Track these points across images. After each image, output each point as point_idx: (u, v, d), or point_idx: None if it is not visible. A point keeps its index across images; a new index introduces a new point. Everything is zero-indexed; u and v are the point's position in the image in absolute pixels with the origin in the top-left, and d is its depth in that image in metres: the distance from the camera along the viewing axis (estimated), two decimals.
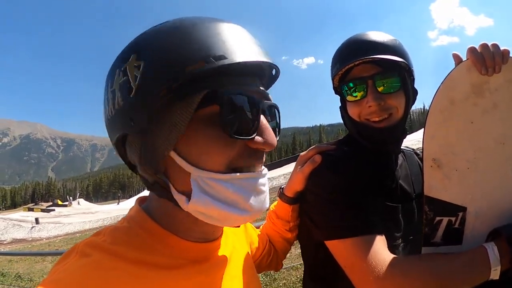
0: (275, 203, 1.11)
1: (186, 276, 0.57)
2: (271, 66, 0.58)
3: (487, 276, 0.73)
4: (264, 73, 0.60)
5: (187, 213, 0.55)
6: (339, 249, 0.84)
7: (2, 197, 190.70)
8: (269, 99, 0.58)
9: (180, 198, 0.53)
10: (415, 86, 1.01)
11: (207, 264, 0.62)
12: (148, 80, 0.50)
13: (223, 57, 0.48)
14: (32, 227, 26.09)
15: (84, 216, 34.89)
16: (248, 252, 0.84)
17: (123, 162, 0.63)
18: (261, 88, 0.58)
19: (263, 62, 0.53)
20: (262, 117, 0.54)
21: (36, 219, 30.25)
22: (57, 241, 18.41)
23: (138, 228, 0.58)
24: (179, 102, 0.50)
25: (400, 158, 1.04)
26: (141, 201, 0.66)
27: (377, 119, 0.93)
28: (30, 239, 20.83)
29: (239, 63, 0.49)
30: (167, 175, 0.55)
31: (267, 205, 0.58)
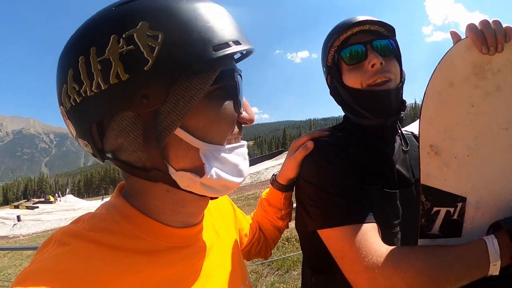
0: (267, 190, 1.10)
1: (167, 263, 0.56)
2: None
3: (485, 271, 0.67)
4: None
5: (172, 196, 0.57)
6: (330, 238, 0.81)
7: None
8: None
9: (181, 177, 0.53)
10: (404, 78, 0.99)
11: (189, 250, 0.61)
12: (172, 54, 0.47)
13: (238, 43, 0.52)
14: (14, 224, 26.47)
15: (65, 213, 35.47)
16: (235, 239, 0.83)
17: None
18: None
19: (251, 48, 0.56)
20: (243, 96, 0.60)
21: (18, 217, 30.63)
22: (35, 236, 18.63)
23: (117, 214, 0.56)
24: (197, 77, 0.50)
25: (398, 141, 0.99)
26: (121, 187, 0.63)
27: (380, 80, 0.89)
28: (12, 236, 21.03)
29: (247, 49, 0.54)
30: (166, 153, 0.53)
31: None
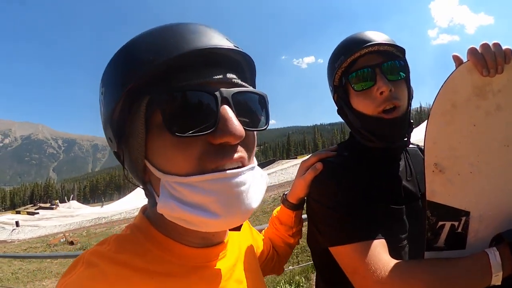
0: (278, 208, 1.12)
1: (192, 283, 0.56)
2: (234, 51, 0.54)
3: (488, 282, 0.71)
4: (234, 62, 0.57)
5: None
6: (341, 255, 0.85)
7: (1, 198, 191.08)
8: (240, 86, 0.55)
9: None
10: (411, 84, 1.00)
11: (213, 269, 0.61)
12: (105, 101, 0.54)
13: (155, 59, 0.48)
14: (13, 229, 26.97)
15: (63, 219, 36.14)
16: (255, 256, 0.85)
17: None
18: (230, 76, 0.55)
19: (212, 48, 0.50)
20: (224, 107, 0.50)
21: (16, 222, 31.31)
22: (30, 241, 18.87)
23: (141, 235, 0.58)
24: (130, 114, 0.53)
25: (404, 157, 1.02)
26: (144, 209, 0.66)
27: (388, 107, 0.91)
28: (10, 240, 21.44)
29: (172, 57, 0.48)
30: (151, 182, 0.56)
31: (254, 205, 0.53)
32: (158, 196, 0.53)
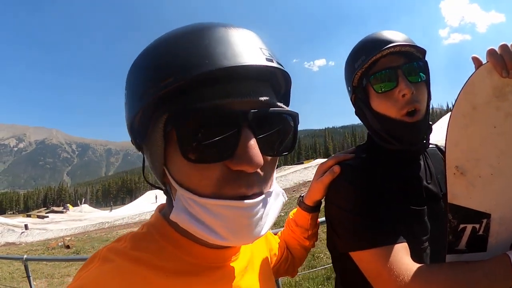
0: (294, 210, 1.12)
1: (205, 283, 0.57)
2: (268, 68, 0.49)
3: (509, 284, 0.71)
4: (266, 74, 0.52)
5: None
6: (362, 260, 0.85)
7: (15, 202, 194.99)
8: (268, 105, 0.50)
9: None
10: None
11: (226, 269, 0.62)
12: (126, 107, 0.54)
13: (175, 76, 0.45)
14: (22, 232, 27.47)
15: (71, 223, 36.76)
16: (267, 258, 0.85)
17: (137, 167, 0.65)
18: (257, 93, 0.50)
19: (239, 66, 0.45)
20: (245, 132, 0.47)
21: (26, 225, 31.82)
22: (33, 244, 19.14)
23: (157, 234, 0.58)
24: (150, 126, 0.52)
25: (423, 157, 1.01)
26: (161, 208, 0.67)
27: (410, 110, 0.90)
28: (18, 243, 21.84)
29: (192, 77, 0.44)
30: (170, 185, 0.56)
31: (263, 232, 0.52)
32: (174, 199, 0.54)
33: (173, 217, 0.51)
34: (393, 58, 0.91)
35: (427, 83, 0.95)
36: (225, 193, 0.48)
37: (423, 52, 0.94)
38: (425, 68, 0.93)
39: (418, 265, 0.79)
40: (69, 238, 17.38)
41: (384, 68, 0.91)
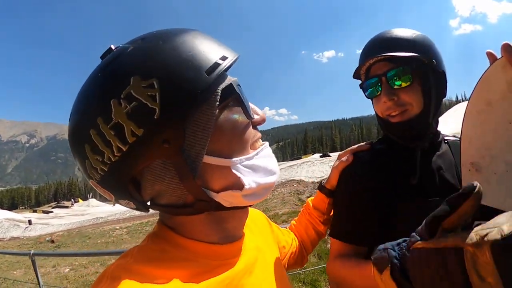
0: (312, 198, 1.19)
1: (213, 282, 0.56)
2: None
3: None
4: None
5: (215, 216, 0.59)
6: (331, 243, 1.03)
7: (27, 197, 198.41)
8: None
9: (224, 197, 0.55)
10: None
11: (236, 266, 0.62)
12: (173, 94, 0.48)
13: (224, 58, 0.53)
14: (26, 227, 27.88)
15: (73, 218, 37.36)
16: (276, 251, 0.85)
17: None
18: None
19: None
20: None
21: (29, 221, 32.48)
22: (27, 239, 19.75)
23: (165, 243, 0.58)
24: (204, 105, 0.51)
25: (444, 147, 1.04)
26: (161, 220, 0.65)
27: (394, 113, 0.95)
28: (22, 237, 22.12)
29: (234, 59, 0.54)
30: (202, 183, 0.55)
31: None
32: (213, 191, 0.55)
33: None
34: (381, 65, 0.96)
35: (423, 83, 0.95)
36: (253, 142, 0.60)
37: (420, 50, 0.94)
38: (416, 70, 0.93)
39: (351, 261, 0.93)
40: (61, 233, 18.02)
41: (372, 76, 0.98)
